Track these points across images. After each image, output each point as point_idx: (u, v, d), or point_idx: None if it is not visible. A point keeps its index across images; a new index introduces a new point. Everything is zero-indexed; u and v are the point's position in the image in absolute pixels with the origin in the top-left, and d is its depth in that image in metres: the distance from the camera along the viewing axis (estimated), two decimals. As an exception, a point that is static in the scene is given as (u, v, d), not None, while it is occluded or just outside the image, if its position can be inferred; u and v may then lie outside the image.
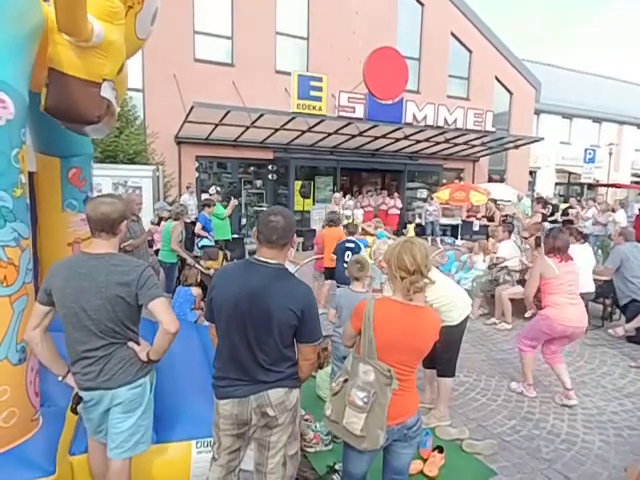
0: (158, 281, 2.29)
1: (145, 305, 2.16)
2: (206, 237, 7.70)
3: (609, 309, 6.49)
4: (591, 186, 22.29)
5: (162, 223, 7.53)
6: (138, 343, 2.27)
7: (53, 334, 2.23)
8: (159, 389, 2.46)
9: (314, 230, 10.94)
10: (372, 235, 6.85)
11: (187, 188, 11.00)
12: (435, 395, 3.83)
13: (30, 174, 3.14)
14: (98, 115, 2.87)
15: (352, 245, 5.98)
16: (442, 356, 3.52)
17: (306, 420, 3.38)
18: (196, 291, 5.30)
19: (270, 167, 14.05)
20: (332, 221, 6.80)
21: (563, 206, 14.71)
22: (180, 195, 11.44)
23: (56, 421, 2.58)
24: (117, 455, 2.25)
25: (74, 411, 2.31)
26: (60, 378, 2.26)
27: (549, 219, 11.14)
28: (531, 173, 20.74)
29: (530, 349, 4.22)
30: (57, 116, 2.82)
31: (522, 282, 6.28)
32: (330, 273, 6.60)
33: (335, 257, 6.09)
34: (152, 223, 7.68)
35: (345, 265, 5.67)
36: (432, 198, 14.04)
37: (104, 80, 2.83)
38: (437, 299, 3.35)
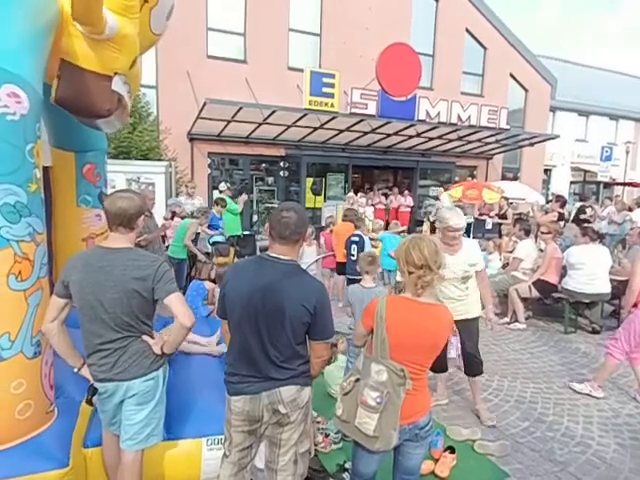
0: (174, 276, 2.31)
1: (161, 300, 2.18)
2: (213, 235, 7.73)
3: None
4: (607, 185, 21.93)
5: (175, 219, 7.58)
6: (152, 337, 2.29)
7: (69, 330, 2.26)
8: (171, 385, 2.47)
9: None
10: (374, 239, 6.86)
11: (185, 187, 10.51)
12: (448, 390, 3.88)
13: (45, 169, 3.17)
14: (108, 108, 2.88)
15: (357, 239, 6.20)
16: None
17: (318, 422, 3.36)
18: (209, 285, 5.32)
19: (282, 164, 14.04)
20: (346, 216, 6.88)
21: (578, 204, 14.47)
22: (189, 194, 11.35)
23: (70, 414, 2.61)
24: (130, 447, 2.27)
25: (89, 402, 2.36)
26: (75, 369, 2.30)
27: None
28: (546, 171, 20.45)
29: (621, 355, 4.14)
30: (67, 108, 2.83)
31: (536, 283, 6.20)
32: (342, 268, 6.66)
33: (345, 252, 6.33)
34: (165, 219, 7.72)
35: (352, 258, 6.04)
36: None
37: (115, 74, 2.84)
38: None
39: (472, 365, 3.80)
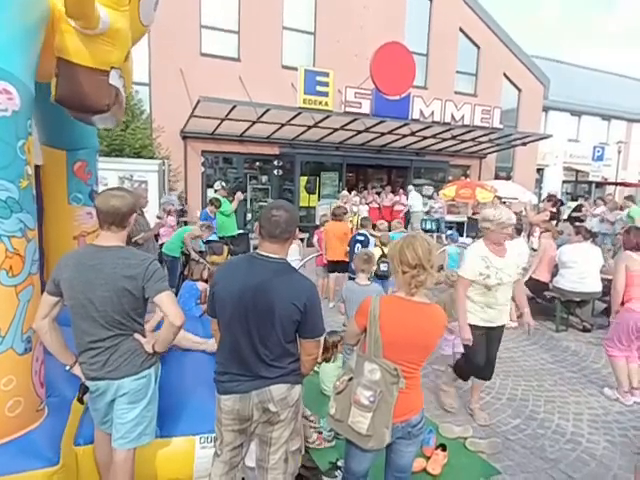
0: (164, 274, 2.29)
1: (151, 298, 2.17)
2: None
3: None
4: (599, 184, 22.13)
5: (170, 217, 7.58)
6: (144, 335, 2.29)
7: (62, 328, 2.24)
8: (163, 383, 2.46)
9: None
10: (378, 237, 6.85)
11: (169, 181, 10.40)
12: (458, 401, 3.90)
13: (36, 167, 3.15)
14: (107, 104, 2.87)
15: (362, 238, 6.23)
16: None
17: (311, 421, 3.35)
18: (202, 286, 5.31)
19: (276, 162, 14.02)
20: (335, 215, 6.84)
21: (572, 204, 14.61)
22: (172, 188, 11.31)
23: (61, 412, 2.59)
24: (121, 445, 2.26)
25: (80, 401, 2.35)
26: (67, 367, 2.28)
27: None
28: (538, 171, 20.58)
29: (620, 353, 4.15)
30: (68, 106, 2.82)
31: (528, 282, 6.24)
32: (334, 267, 6.65)
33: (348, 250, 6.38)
34: (158, 217, 7.70)
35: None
36: (438, 195, 14.00)
37: (112, 68, 2.83)
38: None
39: (488, 370, 3.74)
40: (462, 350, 4.80)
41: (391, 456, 2.22)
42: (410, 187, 14.05)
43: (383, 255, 5.85)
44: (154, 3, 3.33)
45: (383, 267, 5.83)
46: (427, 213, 13.90)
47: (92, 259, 2.14)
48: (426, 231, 13.64)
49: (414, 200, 13.47)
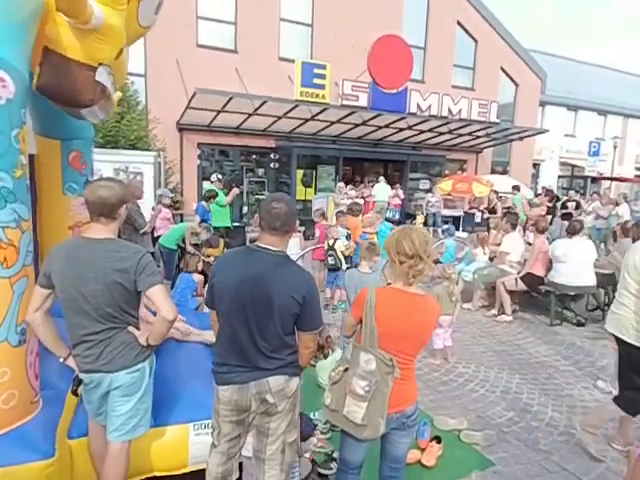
0: (157, 267, 2.27)
1: (143, 292, 2.15)
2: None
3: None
4: (595, 179, 22.22)
5: (163, 208, 7.55)
6: (138, 328, 2.27)
7: (56, 319, 2.23)
8: (157, 372, 2.46)
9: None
10: (371, 233, 6.84)
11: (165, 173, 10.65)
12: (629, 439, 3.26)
13: (30, 157, 3.10)
14: (91, 99, 2.83)
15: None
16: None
17: (319, 447, 3.15)
18: (198, 277, 5.30)
19: (272, 155, 13.97)
20: (352, 211, 7.03)
21: (564, 199, 14.67)
22: (181, 183, 11.33)
23: (56, 404, 2.58)
24: (116, 438, 2.26)
25: (75, 393, 2.33)
26: (62, 359, 2.27)
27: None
28: (535, 165, 20.63)
29: None
30: (49, 96, 2.78)
31: (524, 276, 6.26)
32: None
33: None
34: (153, 209, 7.68)
35: None
36: (434, 189, 14.03)
37: (100, 64, 2.79)
38: None
39: None
40: (451, 344, 4.80)
41: (386, 447, 2.24)
42: (381, 178, 14.21)
43: (330, 248, 6.13)
44: (155, 6, 3.28)
45: (331, 260, 6.16)
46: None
47: (82, 252, 2.11)
48: (388, 220, 13.61)
49: (378, 190, 13.52)
